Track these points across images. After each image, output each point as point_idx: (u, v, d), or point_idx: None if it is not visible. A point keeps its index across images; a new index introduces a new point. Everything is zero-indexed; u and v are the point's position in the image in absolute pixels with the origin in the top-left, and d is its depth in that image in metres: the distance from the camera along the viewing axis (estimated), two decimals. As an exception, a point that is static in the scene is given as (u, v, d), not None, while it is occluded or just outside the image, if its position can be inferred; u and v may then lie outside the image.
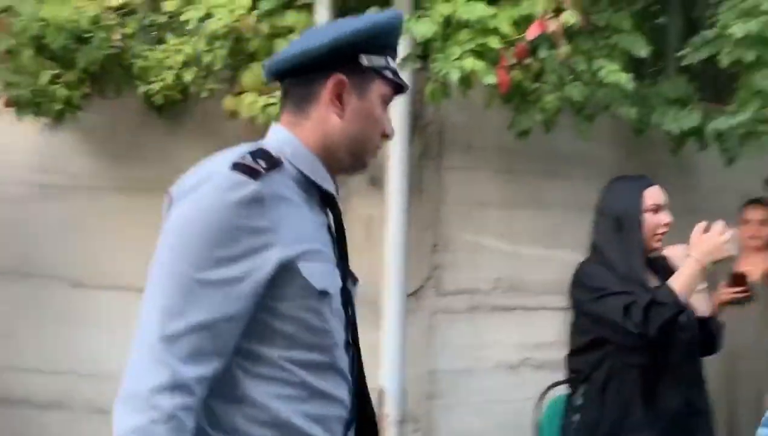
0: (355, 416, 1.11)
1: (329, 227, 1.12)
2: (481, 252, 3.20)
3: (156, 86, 2.91)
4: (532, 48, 2.55)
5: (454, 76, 2.44)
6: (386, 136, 1.15)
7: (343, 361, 1.09)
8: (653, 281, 2.02)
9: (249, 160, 1.02)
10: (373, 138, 1.14)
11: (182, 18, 2.88)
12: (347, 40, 1.09)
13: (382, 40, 1.12)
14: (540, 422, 2.21)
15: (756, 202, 3.14)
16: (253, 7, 2.92)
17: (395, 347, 2.86)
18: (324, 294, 1.04)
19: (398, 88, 1.14)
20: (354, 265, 1.16)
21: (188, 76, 2.88)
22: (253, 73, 2.92)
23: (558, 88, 2.59)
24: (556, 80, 2.58)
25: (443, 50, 2.54)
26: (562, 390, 2.12)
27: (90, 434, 2.97)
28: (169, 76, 2.88)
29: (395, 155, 2.89)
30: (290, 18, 3.00)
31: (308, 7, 3.03)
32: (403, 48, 2.83)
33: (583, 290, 2.01)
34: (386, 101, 1.14)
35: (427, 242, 3.12)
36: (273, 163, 1.03)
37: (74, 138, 3.19)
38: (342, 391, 1.08)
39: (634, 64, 3.17)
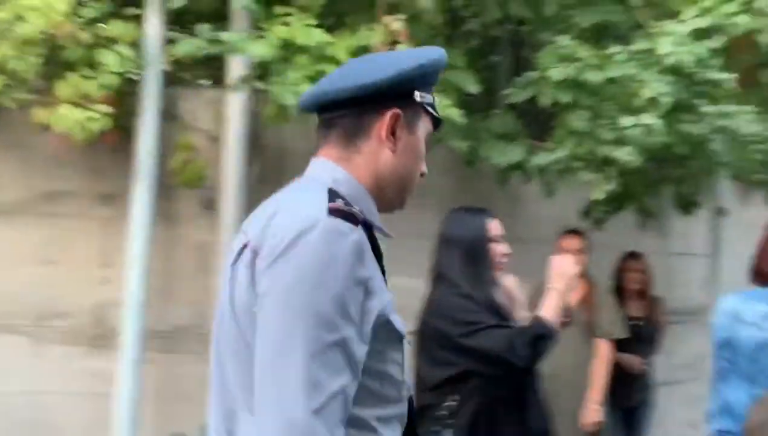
0: None
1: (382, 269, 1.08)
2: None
3: (-45, 94, 2.56)
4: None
5: (290, 101, 2.37)
6: (422, 174, 1.15)
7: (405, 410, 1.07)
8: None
9: (341, 204, 0.99)
10: (416, 175, 1.13)
11: (-14, 19, 2.56)
12: (409, 76, 1.07)
13: (433, 77, 1.13)
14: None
15: (572, 232, 3.39)
16: (74, 13, 2.68)
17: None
18: (403, 342, 1.03)
19: (437, 124, 1.15)
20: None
21: (-8, 84, 2.57)
22: (71, 84, 2.67)
23: (393, 118, 2.62)
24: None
25: (281, 74, 2.47)
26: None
27: None
28: (-31, 83, 2.55)
29: (231, 178, 2.76)
30: (116, 28, 2.79)
31: (137, 18, 2.84)
32: (239, 68, 2.73)
33: (453, 323, 1.98)
34: (427, 138, 1.14)
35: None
36: (352, 205, 1.01)
37: None
38: None
39: (467, 100, 3.32)
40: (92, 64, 2.70)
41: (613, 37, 3.11)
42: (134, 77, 2.81)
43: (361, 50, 2.43)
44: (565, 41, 2.88)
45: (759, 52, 3.40)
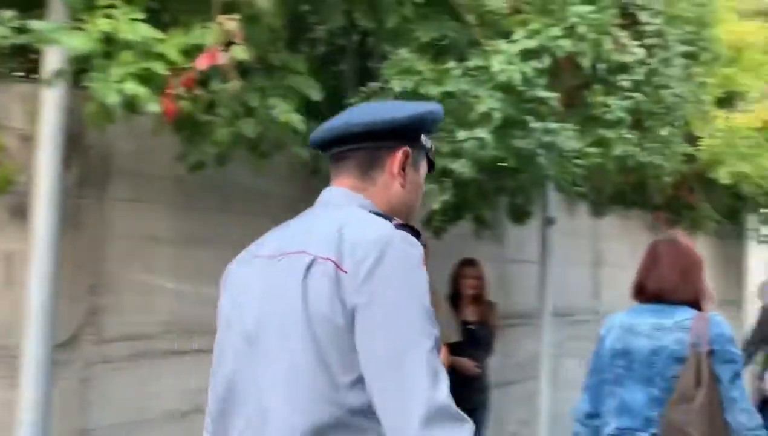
0: None
1: None
2: (150, 293, 2.94)
3: None
4: (204, 79, 2.44)
5: (113, 99, 2.19)
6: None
7: None
8: None
9: (398, 222, 1.17)
10: (416, 208, 1.29)
11: None
12: (420, 119, 1.25)
13: (434, 126, 1.31)
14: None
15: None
16: None
17: (36, 406, 2.43)
18: None
19: (432, 167, 1.32)
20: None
21: None
22: None
23: (230, 122, 2.51)
24: (228, 114, 2.49)
25: (103, 70, 2.28)
26: None
27: None
28: None
29: (44, 182, 2.49)
30: None
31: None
32: (55, 61, 2.49)
33: None
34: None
35: (83, 283, 2.75)
36: None
37: None
38: None
39: (314, 107, 3.28)
40: None
41: (452, 52, 3.22)
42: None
43: (194, 49, 2.30)
44: (404, 54, 2.94)
45: (581, 74, 3.70)
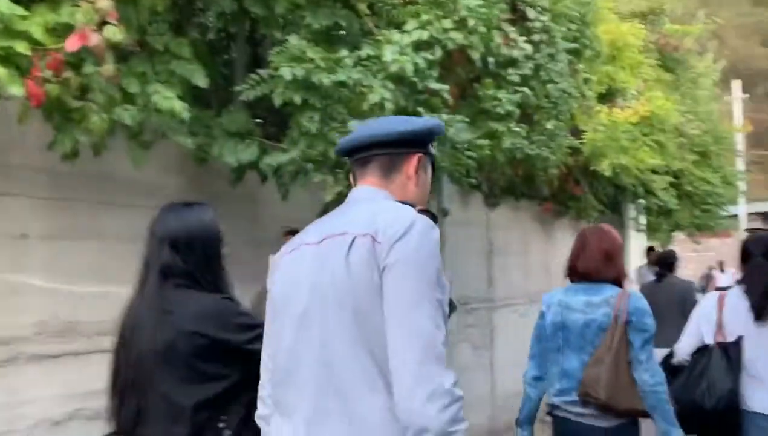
0: None
1: None
2: (19, 292, 2.71)
3: None
4: (76, 62, 2.26)
5: (-32, 80, 1.99)
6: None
7: None
8: None
9: (420, 208, 1.46)
10: (424, 203, 1.54)
11: None
12: (430, 130, 1.56)
13: (437, 136, 1.63)
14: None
15: (293, 232, 3.42)
16: None
17: None
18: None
19: (434, 171, 1.61)
20: None
21: None
22: None
23: (106, 109, 2.35)
24: (103, 100, 2.33)
25: (-43, 48, 2.06)
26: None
27: None
28: None
29: None
30: None
31: None
32: None
33: (236, 329, 1.82)
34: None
35: (-60, 284, 2.50)
36: None
37: None
38: None
39: (202, 95, 3.13)
40: None
41: (345, 41, 3.18)
42: None
43: (62, 28, 2.12)
44: (294, 41, 2.86)
45: (472, 67, 3.77)
